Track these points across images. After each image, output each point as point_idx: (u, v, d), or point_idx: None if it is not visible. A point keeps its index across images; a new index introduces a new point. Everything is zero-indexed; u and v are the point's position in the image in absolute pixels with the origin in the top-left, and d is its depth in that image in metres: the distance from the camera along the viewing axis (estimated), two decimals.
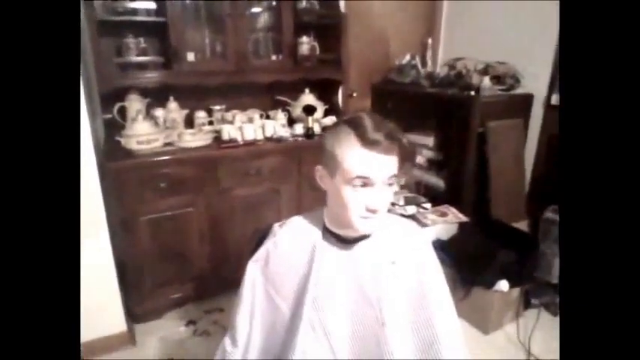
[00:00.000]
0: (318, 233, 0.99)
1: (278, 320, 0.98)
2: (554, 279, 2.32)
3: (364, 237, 0.96)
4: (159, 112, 2.31)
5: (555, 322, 2.23)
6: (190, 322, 2.14)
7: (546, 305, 2.30)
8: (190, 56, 2.27)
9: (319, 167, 0.95)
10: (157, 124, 2.25)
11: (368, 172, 0.85)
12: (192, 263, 2.22)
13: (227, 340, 1.04)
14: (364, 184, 0.86)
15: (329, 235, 0.99)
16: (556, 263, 2.32)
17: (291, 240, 1.01)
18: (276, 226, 1.07)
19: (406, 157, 0.87)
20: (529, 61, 2.65)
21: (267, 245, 1.02)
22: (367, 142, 0.84)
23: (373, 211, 0.87)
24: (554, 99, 2.59)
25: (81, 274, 1.73)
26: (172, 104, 2.35)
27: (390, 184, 0.89)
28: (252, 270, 1.02)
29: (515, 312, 2.23)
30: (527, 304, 2.29)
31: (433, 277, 1.00)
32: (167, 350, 1.98)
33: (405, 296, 0.96)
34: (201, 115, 2.46)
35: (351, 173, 0.86)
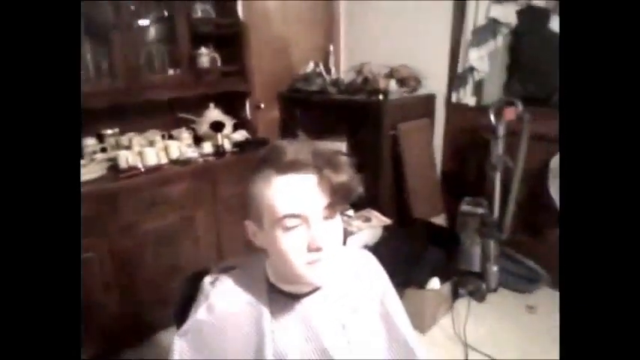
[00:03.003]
0: (262, 292, 0.80)
1: None
2: (476, 267, 2.44)
3: (317, 288, 0.81)
4: None
5: (482, 308, 2.34)
6: None
7: (472, 293, 2.40)
8: None
9: (248, 222, 0.79)
10: None
11: (294, 205, 0.69)
12: (98, 318, 1.87)
13: None
14: (297, 224, 0.70)
15: (276, 293, 0.80)
16: (476, 252, 2.43)
17: (230, 304, 0.79)
18: (206, 283, 0.85)
19: (343, 184, 0.71)
20: (427, 63, 2.78)
21: (199, 312, 0.79)
22: (282, 166, 0.69)
23: (317, 250, 0.70)
24: (454, 97, 2.74)
25: None
26: None
27: (331, 218, 0.72)
28: (180, 347, 0.79)
29: (447, 306, 2.29)
30: (455, 296, 2.36)
31: (394, 303, 0.91)
32: None
33: (373, 336, 0.86)
34: (90, 143, 2.13)
35: (276, 212, 0.70)
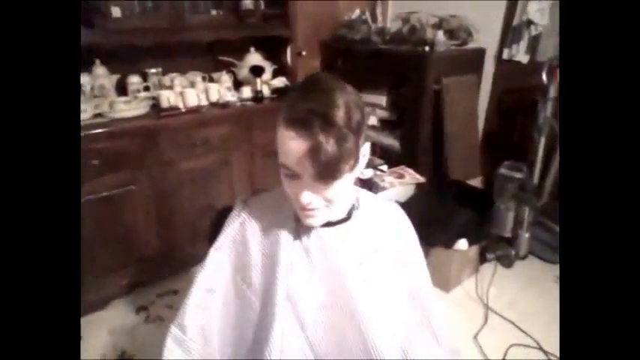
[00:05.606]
0: (288, 215, 0.85)
1: (247, 313, 0.85)
2: (508, 233, 2.39)
3: (343, 220, 0.85)
4: (84, 79, 2.02)
5: (509, 274, 2.31)
6: (141, 309, 1.99)
7: (499, 258, 2.37)
8: (116, 11, 1.98)
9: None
10: (82, 92, 1.97)
11: (288, 159, 0.70)
12: (139, 245, 2.03)
13: (175, 330, 0.87)
14: (292, 176, 0.72)
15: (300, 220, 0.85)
16: (509, 217, 2.37)
17: (263, 219, 0.87)
18: (239, 201, 0.91)
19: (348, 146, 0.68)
20: (480, 15, 2.59)
21: (234, 226, 0.88)
22: (286, 120, 0.68)
23: (303, 207, 0.74)
24: (506, 53, 2.57)
25: None
26: (99, 69, 2.06)
27: (325, 184, 0.71)
28: (215, 258, 0.87)
29: (472, 268, 2.28)
30: (482, 260, 2.35)
31: (416, 253, 0.93)
32: (117, 341, 1.82)
33: (388, 278, 0.87)
34: (134, 81, 2.19)
35: (279, 157, 0.73)
